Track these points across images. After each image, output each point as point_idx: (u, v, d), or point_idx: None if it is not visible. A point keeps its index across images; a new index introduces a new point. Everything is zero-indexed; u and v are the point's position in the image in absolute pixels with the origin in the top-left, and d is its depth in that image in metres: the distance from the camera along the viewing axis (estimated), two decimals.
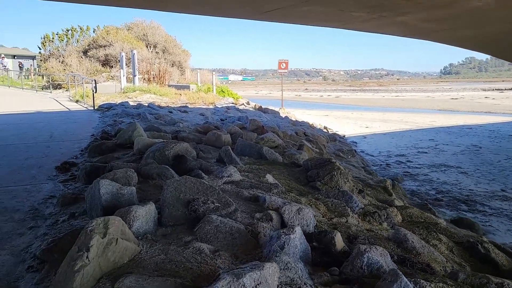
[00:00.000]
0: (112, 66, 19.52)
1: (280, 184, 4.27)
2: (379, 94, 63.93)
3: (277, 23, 8.23)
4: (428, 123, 23.07)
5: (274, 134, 8.10)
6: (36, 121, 8.85)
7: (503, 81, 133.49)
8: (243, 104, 14.06)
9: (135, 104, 11.22)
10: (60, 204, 3.51)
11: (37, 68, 28.99)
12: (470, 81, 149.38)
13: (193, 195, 2.90)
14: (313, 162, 4.99)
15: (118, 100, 12.25)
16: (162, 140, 5.16)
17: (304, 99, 52.99)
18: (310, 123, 15.19)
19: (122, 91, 13.94)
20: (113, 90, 15.34)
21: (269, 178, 4.35)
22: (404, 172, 10.32)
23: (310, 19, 7.85)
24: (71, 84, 15.40)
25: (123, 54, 15.44)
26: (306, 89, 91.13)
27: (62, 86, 17.86)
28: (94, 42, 20.52)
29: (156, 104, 11.61)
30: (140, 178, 3.87)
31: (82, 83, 13.68)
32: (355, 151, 11.55)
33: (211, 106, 12.81)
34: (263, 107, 14.00)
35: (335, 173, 4.60)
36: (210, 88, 15.86)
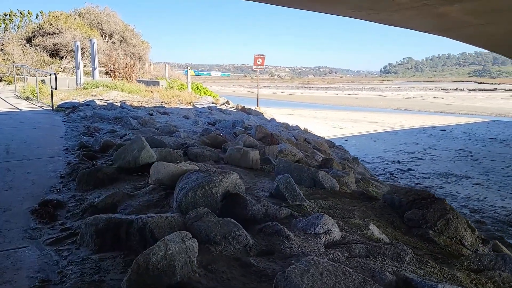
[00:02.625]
0: (63, 57, 17.06)
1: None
2: (331, 92, 64.48)
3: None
4: (398, 123, 22.75)
5: (290, 145, 6.73)
6: None
7: (439, 81, 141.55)
8: (224, 104, 12.51)
9: (105, 104, 9.31)
10: None
11: None
12: (408, 80, 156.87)
13: None
14: (404, 198, 3.69)
15: (80, 98, 10.23)
16: (194, 167, 3.61)
17: (260, 96, 51.94)
18: (290, 124, 13.94)
19: (82, 86, 11.82)
20: (66, 84, 13.13)
21: (374, 230, 3.00)
22: (415, 184, 9.36)
23: (336, 4, 6.52)
24: (16, 78, 12.93)
25: (78, 43, 13.26)
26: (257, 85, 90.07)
27: (2, 79, 15.21)
28: (40, 29, 17.87)
29: (128, 103, 9.77)
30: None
31: (30, 76, 11.42)
32: (358, 159, 10.47)
33: (189, 106, 11.14)
34: (246, 107, 12.52)
35: (451, 217, 3.32)
36: (184, 86, 14.09)
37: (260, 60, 16.16)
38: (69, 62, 16.62)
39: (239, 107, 12.29)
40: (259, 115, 12.73)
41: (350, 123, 22.47)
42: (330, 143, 10.83)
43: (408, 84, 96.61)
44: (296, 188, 3.54)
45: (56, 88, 8.62)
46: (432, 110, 34.93)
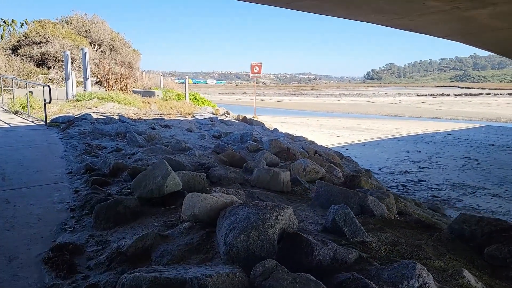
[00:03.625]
0: (50, 67, 16.30)
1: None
2: (319, 99, 64.36)
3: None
4: (394, 130, 22.48)
5: (311, 161, 6.24)
6: None
7: (422, 86, 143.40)
8: (224, 114, 11.97)
9: (102, 117, 8.69)
10: None
11: None
12: (392, 85, 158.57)
13: None
14: (477, 228, 3.23)
15: (74, 111, 9.56)
16: (234, 198, 3.07)
17: (249, 103, 51.40)
18: (293, 134, 13.45)
19: (75, 98, 11.13)
20: (56, 96, 12.41)
21: (469, 277, 2.51)
22: (432, 196, 8.94)
23: (360, 9, 6.11)
24: (3, 90, 12.14)
25: (68, 52, 12.58)
26: (244, 92, 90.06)
27: None
28: (26, 38, 17.09)
29: (126, 116, 9.16)
30: None
31: (18, 88, 10.70)
32: (370, 171, 10.02)
33: (190, 118, 10.56)
34: (247, 117, 11.99)
35: None
36: (181, 96, 13.49)
37: (257, 68, 15.70)
38: (57, 72, 15.87)
39: (240, 118, 11.76)
40: (261, 125, 12.22)
41: (346, 131, 22.12)
42: (339, 154, 10.38)
43: (394, 90, 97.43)
44: (357, 221, 3.04)
45: (50, 102, 7.97)
46: (423, 115, 34.93)
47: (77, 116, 8.66)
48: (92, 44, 17.63)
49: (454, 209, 7.88)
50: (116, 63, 16.09)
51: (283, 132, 11.71)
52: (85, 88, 12.39)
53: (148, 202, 3.41)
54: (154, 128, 8.00)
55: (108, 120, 8.20)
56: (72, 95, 11.51)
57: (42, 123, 8.39)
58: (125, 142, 6.37)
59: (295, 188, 4.54)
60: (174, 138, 7.43)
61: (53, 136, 7.08)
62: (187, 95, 13.01)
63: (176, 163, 4.49)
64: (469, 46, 9.73)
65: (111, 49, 19.04)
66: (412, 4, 5.61)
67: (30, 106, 9.53)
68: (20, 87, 12.22)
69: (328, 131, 21.99)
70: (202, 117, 10.84)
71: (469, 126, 24.61)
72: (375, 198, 3.81)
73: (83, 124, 7.78)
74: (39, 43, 16.46)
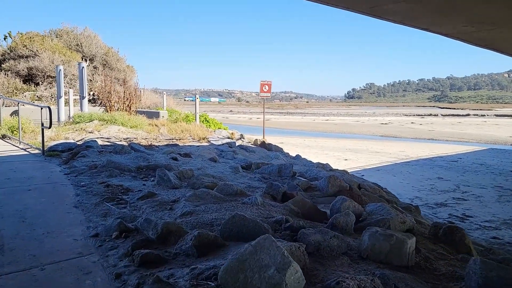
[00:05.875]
0: (38, 83, 14.74)
1: None
2: (308, 118, 63.71)
3: None
4: (399, 153, 21.54)
5: (392, 208, 5.05)
6: None
7: (403, 105, 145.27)
8: (241, 138, 10.69)
9: (109, 144, 7.29)
10: None
11: None
12: (373, 105, 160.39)
13: None
14: None
15: (74, 136, 8.12)
16: None
17: (237, 122, 50.13)
18: (314, 161, 12.23)
19: (72, 120, 9.66)
20: (45, 117, 10.89)
21: None
22: (492, 238, 7.77)
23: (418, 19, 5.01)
24: None
25: (61, 68, 11.15)
26: (231, 111, 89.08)
27: None
28: (12, 51, 15.53)
29: (136, 142, 7.80)
30: None
31: (4, 107, 9.19)
32: (419, 207, 8.86)
33: (205, 143, 9.24)
34: (266, 142, 10.73)
35: None
36: (190, 117, 12.12)
37: (267, 87, 14.52)
38: (46, 89, 14.34)
39: (258, 142, 10.50)
40: (280, 150, 10.97)
41: (351, 154, 21.06)
42: (377, 186, 9.17)
43: (378, 109, 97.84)
44: None
45: (50, 127, 6.55)
46: (418, 137, 34.34)
47: (79, 143, 7.24)
48: (83, 59, 16.21)
49: None
50: (111, 80, 14.66)
51: (309, 159, 10.49)
52: (81, 108, 10.93)
53: None
54: (176, 159, 6.64)
55: (119, 149, 6.80)
56: (69, 116, 10.05)
57: (37, 151, 6.94)
58: (153, 181, 5.02)
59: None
60: (204, 171, 6.11)
61: (55, 170, 5.65)
62: (198, 116, 11.68)
63: (252, 225, 3.17)
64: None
65: (104, 64, 17.61)
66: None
67: (23, 131, 8.02)
68: (7, 105, 10.68)
69: (332, 154, 20.88)
70: (218, 142, 9.53)
71: (474, 149, 23.90)
72: None
73: (90, 154, 6.36)
74: (26, 57, 14.94)
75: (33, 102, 12.87)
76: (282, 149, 11.36)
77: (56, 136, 7.81)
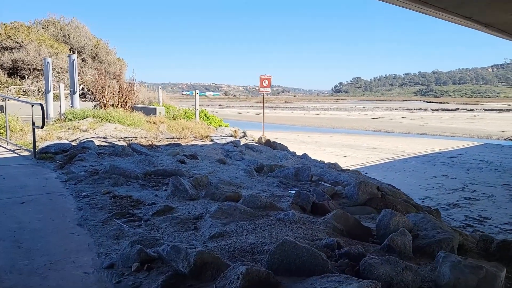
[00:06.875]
0: (24, 77, 13.86)
1: None
2: (298, 112, 63.16)
3: None
4: (397, 149, 21.15)
5: (434, 218, 4.55)
6: None
7: (390, 100, 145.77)
8: (244, 137, 10.08)
9: (107, 145, 6.62)
10: None
11: None
12: (360, 99, 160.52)
13: None
14: None
15: (67, 135, 7.40)
16: None
17: (228, 117, 49.30)
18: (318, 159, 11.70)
19: (64, 117, 8.90)
20: (36, 113, 10.11)
21: None
22: None
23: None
24: None
25: (49, 60, 10.36)
26: (219, 105, 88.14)
27: None
28: None
29: (136, 141, 7.14)
30: None
31: None
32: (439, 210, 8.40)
33: (208, 142, 8.61)
34: (271, 140, 10.14)
35: None
36: (189, 113, 11.42)
37: (266, 81, 13.90)
38: (32, 83, 13.48)
39: (263, 141, 9.90)
40: (285, 149, 10.40)
41: (348, 150, 20.62)
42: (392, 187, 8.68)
43: (367, 104, 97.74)
44: None
45: (43, 127, 5.84)
46: (411, 132, 34.18)
47: (74, 144, 6.56)
48: (72, 51, 15.34)
49: None
50: (99, 73, 13.86)
51: (318, 159, 9.95)
52: (72, 103, 10.16)
53: None
54: (183, 162, 6.02)
55: (119, 151, 6.14)
56: (60, 112, 9.29)
57: (27, 153, 6.23)
58: (165, 190, 4.40)
59: None
60: (216, 176, 5.51)
61: (50, 177, 4.98)
62: (198, 113, 10.98)
63: (307, 254, 2.60)
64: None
65: (94, 57, 16.75)
66: None
67: (10, 130, 7.26)
68: None
69: (330, 150, 20.38)
70: (222, 141, 8.91)
71: (470, 144, 23.70)
72: None
73: (88, 157, 5.69)
74: (11, 48, 14.02)
75: (19, 97, 12.06)
76: (287, 147, 10.79)
77: (47, 136, 7.09)
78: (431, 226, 4.12)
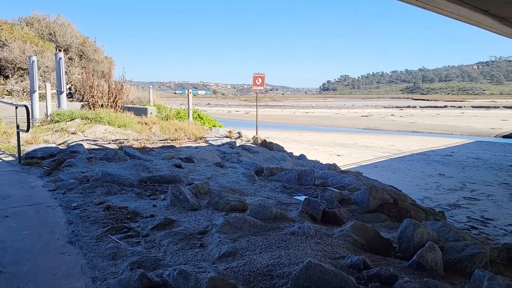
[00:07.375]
0: (8, 76, 13.30)
1: None
2: (288, 110, 62.98)
3: None
4: (390, 147, 21.01)
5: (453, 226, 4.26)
6: None
7: (378, 97, 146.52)
8: (240, 137, 9.74)
9: (98, 148, 6.22)
10: None
11: None
12: (348, 96, 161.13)
13: None
14: None
15: (55, 138, 6.97)
16: None
17: (217, 116, 48.82)
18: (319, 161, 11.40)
19: (51, 119, 8.45)
20: (21, 114, 9.62)
21: None
22: None
23: None
24: None
25: (35, 59, 9.88)
26: (208, 103, 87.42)
27: None
28: None
29: (128, 144, 6.75)
30: None
31: None
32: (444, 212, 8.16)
33: (203, 144, 8.25)
34: (266, 141, 9.81)
35: None
36: (181, 113, 11.02)
37: (260, 80, 13.55)
38: (17, 82, 12.94)
39: (259, 141, 9.57)
40: (281, 149, 10.09)
41: (341, 149, 20.39)
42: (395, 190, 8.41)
43: (355, 101, 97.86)
44: None
45: (28, 130, 5.41)
46: (402, 129, 34.23)
47: (62, 147, 6.15)
48: (58, 49, 14.81)
49: None
50: (87, 72, 13.36)
51: (314, 160, 9.65)
52: (59, 104, 9.69)
53: None
54: (180, 167, 5.65)
55: (111, 155, 5.74)
56: (46, 113, 8.83)
57: (11, 158, 5.80)
58: (163, 199, 4.04)
59: None
60: (216, 181, 5.16)
61: (37, 185, 4.58)
62: (191, 113, 10.59)
63: (336, 280, 2.27)
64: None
65: (81, 55, 16.22)
66: None
67: None
68: None
69: (323, 149, 20.14)
70: (217, 142, 8.55)
71: (462, 142, 23.69)
72: None
73: (77, 163, 5.28)
74: None
75: (3, 97, 11.53)
76: (283, 147, 10.47)
77: (33, 139, 6.65)
78: (452, 236, 3.84)
